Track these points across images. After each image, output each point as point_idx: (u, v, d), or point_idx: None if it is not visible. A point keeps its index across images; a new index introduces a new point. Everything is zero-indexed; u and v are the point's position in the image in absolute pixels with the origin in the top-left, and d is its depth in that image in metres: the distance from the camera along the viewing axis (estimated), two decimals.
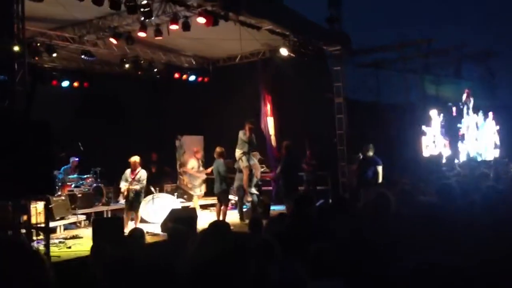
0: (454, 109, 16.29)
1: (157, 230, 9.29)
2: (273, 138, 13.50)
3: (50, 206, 8.64)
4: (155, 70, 13.33)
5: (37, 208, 7.79)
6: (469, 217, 3.76)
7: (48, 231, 7.23)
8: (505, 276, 2.48)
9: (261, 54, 13.09)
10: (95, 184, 11.59)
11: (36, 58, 10.88)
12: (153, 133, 14.45)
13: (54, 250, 7.52)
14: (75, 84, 12.97)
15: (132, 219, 9.49)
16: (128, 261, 3.83)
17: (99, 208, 11.31)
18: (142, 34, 9.94)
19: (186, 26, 9.58)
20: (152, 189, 10.76)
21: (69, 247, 8.13)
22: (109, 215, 11.07)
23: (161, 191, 11.73)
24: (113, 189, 11.98)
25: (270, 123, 13.74)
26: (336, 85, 12.57)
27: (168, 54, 13.25)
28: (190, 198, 13.21)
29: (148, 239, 8.25)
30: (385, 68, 17.81)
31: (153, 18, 9.30)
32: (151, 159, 13.29)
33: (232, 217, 10.50)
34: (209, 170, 10.97)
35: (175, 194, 12.61)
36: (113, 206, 11.64)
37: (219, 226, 4.33)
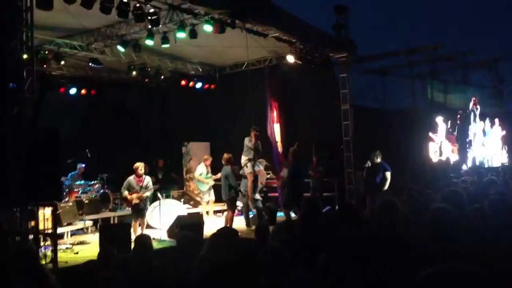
0: (461, 116, 16.23)
1: (164, 236, 9.31)
2: (279, 144, 13.49)
3: (57, 212, 8.67)
4: (162, 77, 13.41)
5: (45, 214, 7.82)
6: (477, 223, 3.74)
7: (56, 237, 7.26)
8: None
9: (267, 61, 13.14)
10: (102, 190, 11.64)
11: (44, 66, 10.98)
12: (160, 140, 14.50)
13: (61, 256, 7.55)
14: (83, 91, 13.06)
15: (139, 225, 9.48)
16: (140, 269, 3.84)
17: (106, 214, 11.35)
18: (149, 42, 10.01)
19: (193, 34, 9.64)
20: (159, 195, 10.78)
21: (76, 253, 8.17)
22: (116, 221, 11.10)
23: (167, 197, 11.76)
24: (120, 195, 12.00)
25: (276, 130, 13.73)
26: (343, 91, 12.58)
27: (175, 62, 13.32)
28: (196, 204, 13.24)
29: (155, 245, 8.27)
30: (391, 75, 17.78)
31: (160, 26, 9.36)
32: (158, 165, 13.33)
33: (239, 223, 10.49)
34: (217, 176, 10.99)
35: (182, 200, 12.65)
36: (120, 212, 11.67)
37: (226, 232, 4.34)
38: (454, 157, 15.56)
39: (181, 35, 9.59)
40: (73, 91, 12.87)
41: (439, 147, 15.10)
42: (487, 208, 4.05)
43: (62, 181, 10.04)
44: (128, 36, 10.33)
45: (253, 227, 8.08)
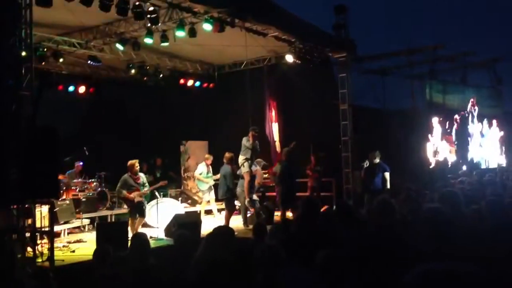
0: (459, 117, 16.25)
1: (161, 235, 9.30)
2: (277, 144, 13.50)
3: (54, 210, 8.66)
4: (161, 75, 13.39)
5: (42, 212, 7.81)
6: (473, 224, 3.74)
7: (52, 235, 7.25)
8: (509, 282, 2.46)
9: (266, 60, 13.14)
10: (99, 189, 11.62)
11: (43, 63, 10.96)
12: (158, 138, 14.49)
13: (58, 254, 7.52)
14: (81, 89, 13.04)
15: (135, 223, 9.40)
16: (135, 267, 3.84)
17: (103, 212, 11.32)
18: (148, 40, 10.00)
19: (192, 33, 9.62)
20: (156, 194, 10.76)
21: (73, 251, 8.15)
22: (113, 220, 11.09)
23: (165, 196, 11.75)
24: (118, 194, 11.98)
25: (275, 129, 13.76)
26: (342, 91, 12.58)
27: (173, 60, 13.31)
28: (194, 203, 13.24)
29: (152, 244, 8.26)
30: (391, 75, 17.79)
31: (159, 24, 9.35)
32: (156, 164, 13.31)
33: (237, 222, 10.49)
34: (217, 176, 10.97)
35: (179, 199, 12.64)
36: (117, 211, 11.65)
37: (222, 231, 4.34)
38: (452, 158, 15.58)
39: (181, 33, 9.58)
40: (71, 89, 12.86)
41: (435, 149, 15.11)
42: (484, 209, 4.06)
43: (60, 180, 10.03)
44: (127, 34, 10.32)
45: (251, 227, 8.08)
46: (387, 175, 10.30)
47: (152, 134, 14.55)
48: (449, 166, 14.82)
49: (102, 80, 13.63)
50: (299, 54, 11.23)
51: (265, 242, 4.25)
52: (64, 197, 10.41)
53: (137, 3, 8.42)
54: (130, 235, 7.75)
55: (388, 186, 10.22)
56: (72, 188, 11.14)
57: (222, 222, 10.12)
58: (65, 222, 9.87)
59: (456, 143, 15.95)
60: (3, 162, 6.25)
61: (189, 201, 13.32)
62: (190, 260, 3.67)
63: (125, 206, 11.90)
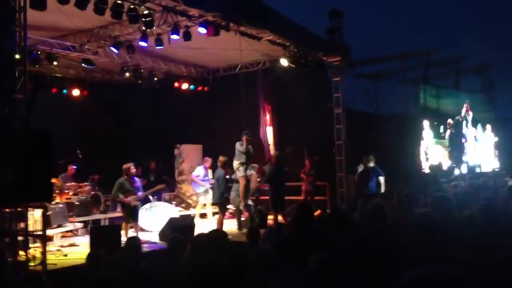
0: (453, 121, 16.36)
1: (155, 238, 9.27)
2: (272, 147, 13.52)
3: (47, 213, 8.62)
4: (155, 79, 13.38)
5: (34, 216, 7.77)
6: (466, 228, 3.77)
7: (45, 239, 7.20)
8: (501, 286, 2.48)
9: (261, 64, 13.17)
10: (92, 192, 11.57)
11: (37, 66, 10.92)
12: (152, 142, 14.46)
13: (51, 258, 7.48)
14: (75, 92, 13.00)
15: (131, 227, 9.33)
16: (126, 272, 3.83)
17: (97, 216, 11.27)
18: (143, 44, 10.00)
19: (187, 36, 9.63)
20: (150, 197, 10.74)
21: (66, 255, 8.11)
22: (107, 223, 11.03)
23: (159, 199, 11.72)
24: (114, 198, 11.94)
25: (269, 133, 13.78)
26: (336, 95, 12.64)
27: (168, 63, 13.31)
28: (188, 206, 13.21)
29: (146, 248, 8.24)
30: (384, 79, 17.89)
31: (154, 28, 9.35)
32: (150, 167, 13.29)
33: (230, 226, 10.49)
34: (213, 181, 10.95)
35: (173, 202, 12.62)
36: (111, 214, 11.61)
37: (215, 235, 4.34)
38: (446, 162, 15.66)
39: (175, 37, 9.59)
40: (65, 91, 12.81)
41: (426, 152, 15.18)
42: (477, 214, 4.08)
43: (54, 183, 9.98)
44: (122, 37, 10.31)
45: (245, 230, 8.08)
46: (381, 179, 10.34)
47: (146, 137, 14.52)
48: (443, 170, 14.89)
49: (97, 83, 13.60)
50: (294, 58, 11.26)
51: (259, 246, 4.26)
52: (57, 200, 10.36)
53: (131, 7, 8.42)
54: (124, 239, 7.71)
55: (383, 190, 10.25)
56: (66, 191, 11.07)
57: (215, 226, 10.12)
58: (58, 226, 9.82)
59: (449, 147, 16.04)
60: None
61: (183, 205, 13.29)
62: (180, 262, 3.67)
63: (118, 210, 11.89)
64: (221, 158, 10.15)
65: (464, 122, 16.81)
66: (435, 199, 4.26)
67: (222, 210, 10.01)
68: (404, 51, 16.77)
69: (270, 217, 10.41)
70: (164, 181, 13.41)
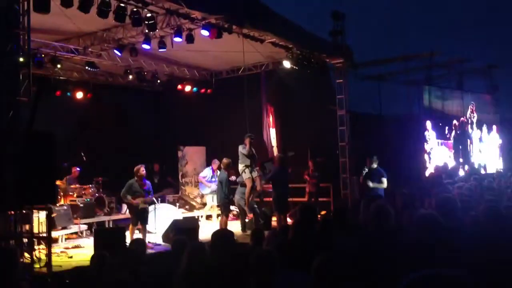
0: (458, 123, 16.34)
1: (159, 240, 9.28)
2: (275, 149, 13.53)
3: (52, 215, 8.64)
4: (159, 81, 13.41)
5: (39, 218, 7.80)
6: (470, 229, 3.75)
7: (50, 241, 7.23)
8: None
9: (264, 66, 13.18)
10: (97, 194, 11.60)
11: (41, 69, 10.97)
12: (156, 144, 14.50)
13: (56, 260, 7.52)
14: (79, 95, 13.05)
15: (137, 229, 9.27)
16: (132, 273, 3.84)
17: (101, 218, 11.30)
18: (146, 46, 10.03)
19: (190, 39, 9.66)
20: (154, 199, 10.75)
21: (71, 257, 8.14)
22: (111, 225, 11.07)
23: (163, 201, 11.74)
24: (115, 199, 11.99)
25: (272, 135, 13.79)
26: (339, 97, 12.63)
27: (171, 66, 13.34)
28: (192, 208, 13.23)
29: (150, 249, 8.25)
30: (387, 81, 17.87)
31: (157, 31, 9.38)
32: (154, 169, 13.31)
33: (234, 228, 10.48)
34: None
35: (177, 204, 12.64)
36: (115, 216, 11.64)
37: (219, 235, 4.33)
38: (450, 163, 15.62)
39: (178, 39, 9.62)
40: (69, 94, 12.86)
41: (430, 153, 15.16)
42: (481, 215, 4.07)
43: (58, 185, 10.01)
44: (125, 40, 10.35)
45: (249, 232, 8.08)
46: (384, 180, 10.32)
47: (149, 139, 14.56)
48: (448, 171, 14.84)
49: (100, 85, 13.64)
50: (297, 60, 11.27)
51: (261, 247, 4.26)
52: (61, 202, 10.40)
53: (134, 10, 8.46)
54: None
55: (381, 192, 10.25)
56: (70, 193, 11.12)
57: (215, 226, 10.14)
58: (63, 228, 9.86)
59: (454, 149, 16.01)
60: (0, 167, 6.25)
61: (187, 207, 13.31)
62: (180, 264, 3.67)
63: (123, 212, 11.92)
64: (224, 161, 10.17)
65: (469, 124, 16.80)
66: (440, 200, 4.25)
67: (226, 212, 10.02)
68: (407, 53, 16.76)
69: (274, 218, 10.41)
70: (168, 183, 13.45)
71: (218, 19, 9.31)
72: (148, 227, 10.11)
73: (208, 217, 12.27)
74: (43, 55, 10.64)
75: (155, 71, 13.06)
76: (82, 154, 11.95)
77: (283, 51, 11.30)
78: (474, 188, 8.64)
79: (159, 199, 11.37)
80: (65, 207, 10.20)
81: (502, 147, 17.97)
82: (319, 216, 6.68)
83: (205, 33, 9.40)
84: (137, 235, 8.95)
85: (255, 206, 10.61)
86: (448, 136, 15.98)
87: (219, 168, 11.27)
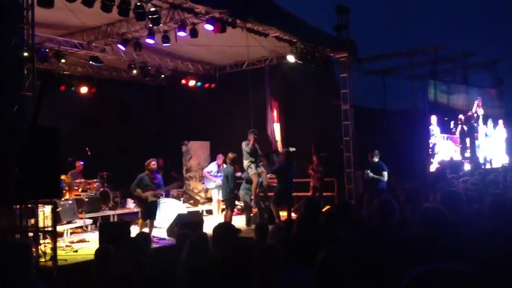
0: (464, 117, 16.27)
1: (163, 235, 9.31)
2: (279, 144, 13.52)
3: (57, 210, 8.69)
4: (162, 76, 13.41)
5: (45, 212, 7.84)
6: (474, 223, 3.74)
7: (55, 235, 7.26)
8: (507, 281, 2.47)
9: (268, 60, 13.15)
10: (101, 189, 11.65)
11: (45, 64, 10.99)
12: (160, 139, 14.52)
13: (61, 254, 7.56)
14: (83, 89, 13.07)
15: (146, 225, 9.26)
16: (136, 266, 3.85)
17: (106, 212, 11.35)
18: (150, 41, 10.02)
19: (193, 33, 9.64)
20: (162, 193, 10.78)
21: (76, 251, 8.18)
22: (116, 219, 11.12)
23: (167, 196, 11.77)
24: (119, 193, 12.04)
25: (276, 129, 13.78)
26: (343, 92, 12.59)
27: (175, 61, 13.33)
28: (196, 203, 13.27)
29: (154, 244, 8.28)
30: (392, 75, 17.80)
31: (161, 25, 9.37)
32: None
33: (238, 222, 10.50)
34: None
35: (182, 199, 12.68)
36: (120, 211, 11.70)
37: (222, 228, 4.33)
38: (455, 157, 15.57)
39: (182, 34, 9.60)
40: (73, 89, 12.88)
41: (435, 148, 15.11)
42: (486, 209, 4.05)
43: (62, 179, 10.05)
44: (129, 35, 10.34)
45: (253, 226, 8.09)
46: (385, 174, 10.36)
47: (153, 134, 14.58)
48: (453, 165, 14.79)
49: (104, 80, 13.65)
50: (301, 55, 11.23)
51: (265, 241, 4.27)
52: (66, 197, 10.44)
53: (138, 4, 8.44)
54: None
55: (381, 185, 10.31)
56: (75, 188, 11.16)
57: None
58: (68, 222, 9.91)
59: (460, 143, 15.95)
60: (5, 162, 6.27)
61: (191, 201, 13.35)
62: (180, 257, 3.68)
63: (128, 206, 11.96)
64: (230, 155, 10.17)
65: (476, 118, 16.73)
66: (445, 194, 4.23)
67: (231, 206, 10.04)
68: (411, 47, 16.69)
69: (283, 213, 10.42)
70: (173, 177, 13.48)
71: (222, 13, 9.28)
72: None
73: (208, 212, 12.31)
74: (47, 50, 10.65)
75: (159, 65, 13.06)
76: (87, 148, 11.99)
77: (287, 45, 11.27)
78: (479, 182, 8.61)
79: (163, 193, 11.39)
80: (70, 202, 10.24)
81: (509, 141, 17.88)
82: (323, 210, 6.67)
83: (209, 27, 9.38)
84: (144, 229, 8.97)
85: (260, 201, 10.62)
86: (453, 130, 15.92)
87: (224, 162, 11.29)
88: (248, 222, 10.42)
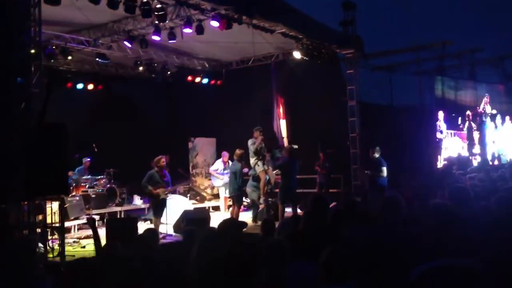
0: (472, 113, 16.17)
1: (170, 231, 9.34)
2: (285, 140, 13.51)
3: (64, 206, 8.74)
4: (169, 73, 13.43)
5: (52, 208, 7.89)
6: (482, 220, 3.72)
7: (63, 231, 7.32)
8: None
9: (274, 57, 13.13)
10: (108, 185, 11.70)
11: (52, 61, 11.04)
12: (166, 135, 14.55)
13: (69, 249, 7.62)
14: (90, 86, 13.12)
15: (150, 220, 9.23)
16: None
17: (113, 208, 11.42)
18: (156, 38, 10.03)
19: (199, 30, 9.64)
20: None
21: (83, 247, 8.24)
22: (123, 216, 11.17)
23: (173, 192, 11.80)
24: (126, 190, 12.09)
25: (282, 126, 13.77)
26: (349, 88, 12.54)
27: (181, 57, 13.34)
28: (202, 199, 13.30)
29: (162, 240, 8.31)
30: (398, 71, 17.71)
31: (167, 22, 9.37)
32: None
33: (245, 219, 10.51)
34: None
35: (188, 195, 12.71)
36: (127, 207, 11.75)
37: (228, 224, 4.34)
38: (463, 154, 15.49)
39: (188, 30, 9.60)
40: (80, 86, 12.94)
41: (442, 144, 15.04)
42: (493, 205, 4.03)
43: (70, 176, 10.11)
44: (135, 32, 10.36)
45: (260, 223, 8.10)
46: (384, 169, 10.37)
47: (160, 130, 14.61)
48: (461, 162, 14.71)
49: (111, 77, 13.69)
50: (307, 51, 11.20)
51: (271, 237, 4.26)
52: (74, 193, 10.50)
53: (144, 1, 8.46)
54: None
55: (384, 174, 10.34)
56: (82, 184, 11.22)
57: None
58: (75, 218, 9.97)
59: (467, 139, 15.86)
60: (13, 159, 6.32)
61: (198, 198, 13.38)
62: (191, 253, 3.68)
63: (135, 202, 12.02)
64: (237, 151, 10.16)
65: (484, 115, 16.62)
66: (452, 190, 4.22)
67: (238, 203, 10.05)
68: (418, 43, 16.58)
69: (286, 209, 10.42)
70: (179, 174, 13.51)
71: (227, 9, 9.27)
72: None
73: (215, 208, 12.34)
74: (54, 47, 10.69)
75: (165, 62, 13.08)
76: (94, 145, 12.04)
77: (293, 41, 11.24)
78: (486, 178, 8.56)
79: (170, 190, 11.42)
80: (77, 198, 10.31)
81: None
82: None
83: (214, 24, 9.38)
84: (150, 225, 9.01)
85: (268, 198, 10.65)
86: (461, 126, 15.83)
87: (231, 159, 11.31)
88: (255, 219, 10.43)
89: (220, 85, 14.19)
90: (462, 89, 16.63)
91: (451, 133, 15.50)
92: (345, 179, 12.42)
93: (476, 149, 16.08)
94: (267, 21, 10.06)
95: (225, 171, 11.40)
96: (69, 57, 11.13)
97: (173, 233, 9.25)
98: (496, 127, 16.94)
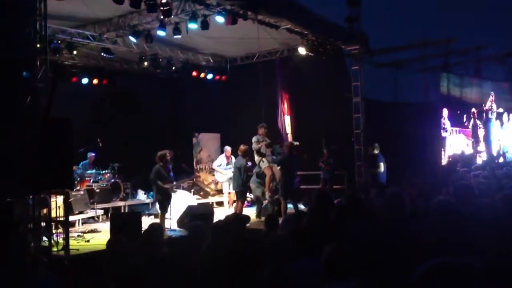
0: (477, 111, 16.12)
1: (174, 226, 9.38)
2: (290, 136, 13.51)
3: (69, 200, 8.78)
4: (173, 68, 13.44)
5: (57, 202, 7.93)
6: (486, 217, 3.72)
7: (67, 225, 7.36)
8: None
9: (279, 53, 13.10)
10: (113, 180, 11.75)
11: (57, 55, 11.06)
12: (170, 130, 14.57)
13: (73, 243, 7.66)
14: (95, 81, 13.14)
15: (153, 215, 9.27)
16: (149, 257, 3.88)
17: (117, 203, 11.46)
18: (161, 33, 10.03)
19: (204, 25, 9.63)
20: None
21: (88, 241, 8.28)
22: (127, 210, 11.22)
23: (177, 187, 11.84)
24: (130, 184, 12.14)
25: (287, 122, 13.76)
26: (354, 84, 12.51)
27: (186, 53, 13.34)
28: (206, 195, 13.32)
29: (167, 235, 8.34)
30: (403, 68, 17.64)
31: (172, 17, 9.37)
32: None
33: (249, 214, 10.53)
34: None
35: (192, 190, 12.74)
36: (131, 202, 11.79)
37: (233, 219, 4.36)
38: (467, 151, 15.45)
39: (193, 26, 9.59)
40: (85, 80, 12.97)
41: (447, 141, 15.00)
42: (498, 202, 4.02)
43: (74, 170, 10.15)
44: (140, 27, 10.36)
45: (263, 218, 8.11)
46: (381, 165, 10.40)
47: (164, 126, 14.63)
48: (465, 159, 14.66)
49: (116, 72, 13.71)
50: (312, 47, 11.17)
51: (275, 233, 4.27)
52: (78, 187, 10.55)
53: None
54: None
55: (381, 170, 10.37)
56: (86, 179, 11.28)
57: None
58: (80, 212, 10.02)
59: (472, 137, 15.82)
60: (19, 153, 6.35)
61: (202, 193, 13.40)
62: (201, 248, 3.70)
63: (139, 197, 12.06)
64: (242, 147, 10.16)
65: (490, 112, 16.57)
66: (457, 187, 4.21)
67: (242, 198, 10.07)
68: (424, 40, 16.51)
69: (290, 205, 10.44)
70: (183, 169, 13.53)
71: (233, 5, 9.25)
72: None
73: (219, 203, 12.36)
74: (59, 42, 10.70)
75: (170, 57, 13.08)
76: (98, 140, 12.08)
77: (298, 37, 11.22)
78: (490, 176, 8.54)
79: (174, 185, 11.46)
80: (82, 192, 10.36)
81: None
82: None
83: (220, 19, 9.36)
84: (154, 220, 9.05)
85: (273, 194, 10.67)
86: (466, 124, 15.78)
87: (233, 154, 11.33)
88: (259, 214, 10.46)
89: (225, 81, 14.19)
90: (467, 86, 16.56)
91: (455, 130, 15.45)
92: (349, 175, 12.41)
93: (481, 146, 16.04)
94: (272, 16, 10.03)
95: (228, 166, 11.42)
96: (75, 52, 11.13)
97: (177, 228, 9.28)
98: (502, 125, 16.89)
